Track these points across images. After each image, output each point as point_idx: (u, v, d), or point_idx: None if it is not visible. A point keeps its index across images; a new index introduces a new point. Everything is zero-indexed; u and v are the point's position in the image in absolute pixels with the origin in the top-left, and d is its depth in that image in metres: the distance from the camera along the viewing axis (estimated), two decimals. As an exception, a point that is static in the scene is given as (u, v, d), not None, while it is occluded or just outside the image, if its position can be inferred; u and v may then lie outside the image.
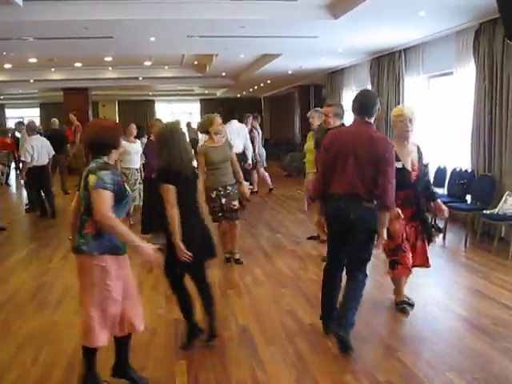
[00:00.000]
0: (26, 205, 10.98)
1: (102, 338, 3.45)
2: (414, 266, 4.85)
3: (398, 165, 4.36)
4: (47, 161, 10.23)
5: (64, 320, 4.93)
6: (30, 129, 10.26)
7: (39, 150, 9.88)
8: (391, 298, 5.14)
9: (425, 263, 4.93)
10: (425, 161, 4.94)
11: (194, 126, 18.92)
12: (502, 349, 4.06)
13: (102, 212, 3.21)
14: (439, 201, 4.96)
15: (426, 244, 4.94)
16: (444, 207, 4.95)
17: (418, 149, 4.80)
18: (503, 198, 7.03)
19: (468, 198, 8.16)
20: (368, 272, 4.33)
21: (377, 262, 6.49)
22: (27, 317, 5.02)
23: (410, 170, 4.62)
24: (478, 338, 4.28)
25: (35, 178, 9.90)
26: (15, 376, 3.80)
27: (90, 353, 3.50)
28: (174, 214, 3.92)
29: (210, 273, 6.09)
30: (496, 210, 7.02)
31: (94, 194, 3.24)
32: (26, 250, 7.69)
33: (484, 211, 7.16)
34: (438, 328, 4.51)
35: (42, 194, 10.18)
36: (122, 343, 3.66)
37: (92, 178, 3.26)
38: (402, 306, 4.88)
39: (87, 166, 3.40)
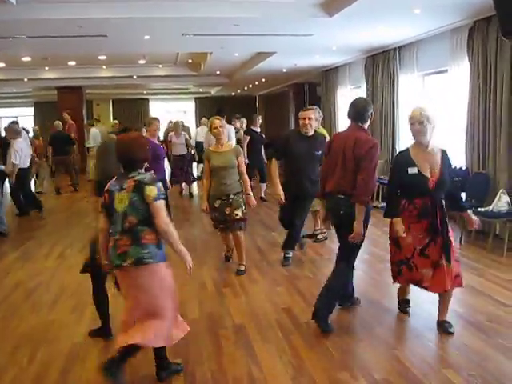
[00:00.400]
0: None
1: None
2: (424, 287, 4.42)
3: (413, 170, 4.24)
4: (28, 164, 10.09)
5: (60, 319, 4.92)
6: (14, 132, 9.60)
7: (25, 153, 9.73)
8: (387, 295, 5.16)
9: (442, 288, 4.32)
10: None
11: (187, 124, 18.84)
12: (497, 345, 4.08)
13: (165, 221, 3.46)
14: (469, 212, 4.63)
15: (453, 262, 4.31)
16: (475, 218, 4.52)
17: (444, 154, 4.35)
18: (497, 196, 7.05)
19: (463, 195, 8.17)
20: (355, 264, 4.69)
21: (373, 260, 6.53)
22: (23, 316, 5.01)
23: (427, 175, 4.25)
24: (474, 335, 4.29)
25: (20, 180, 9.78)
26: (12, 375, 3.80)
27: (135, 351, 3.58)
28: (99, 226, 3.77)
29: (205, 271, 6.13)
30: (490, 207, 7.04)
31: (156, 205, 3.45)
32: (22, 250, 7.66)
33: (478, 209, 7.18)
34: (434, 325, 4.52)
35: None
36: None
37: (153, 191, 3.46)
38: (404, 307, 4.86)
39: (125, 180, 3.54)
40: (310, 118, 6.15)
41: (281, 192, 6.27)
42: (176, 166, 11.73)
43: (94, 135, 14.97)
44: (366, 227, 4.47)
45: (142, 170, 3.62)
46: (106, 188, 3.63)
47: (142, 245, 3.46)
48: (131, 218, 3.48)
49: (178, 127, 12.08)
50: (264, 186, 11.57)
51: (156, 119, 7.56)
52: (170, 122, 16.59)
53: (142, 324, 3.52)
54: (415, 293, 4.88)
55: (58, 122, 14.13)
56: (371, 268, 6.30)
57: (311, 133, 6.23)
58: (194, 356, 4.07)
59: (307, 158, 6.19)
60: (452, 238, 4.33)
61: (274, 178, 6.40)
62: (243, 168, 6.13)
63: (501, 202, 6.96)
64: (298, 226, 6.49)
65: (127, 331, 3.52)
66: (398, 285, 4.78)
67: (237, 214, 6.04)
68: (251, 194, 6.27)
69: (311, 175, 6.19)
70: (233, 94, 25.30)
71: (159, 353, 3.73)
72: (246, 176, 6.16)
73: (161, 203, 3.46)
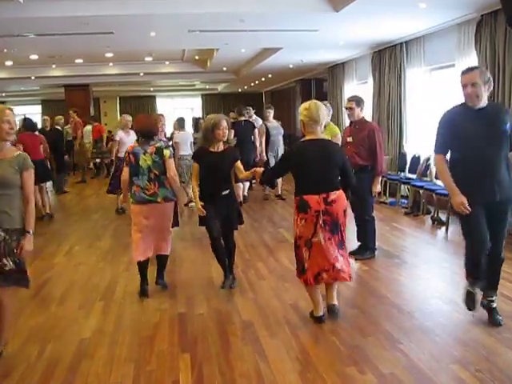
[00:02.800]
0: None
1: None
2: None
3: None
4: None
5: (68, 315, 4.95)
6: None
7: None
8: (393, 290, 5.15)
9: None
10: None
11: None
12: (505, 340, 4.06)
13: (174, 171, 5.27)
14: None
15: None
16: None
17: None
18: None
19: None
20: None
21: (378, 254, 6.52)
22: (32, 313, 5.03)
23: None
24: (482, 330, 4.27)
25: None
26: (20, 371, 3.81)
27: (146, 265, 5.38)
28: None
29: (213, 267, 6.14)
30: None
31: (170, 161, 5.25)
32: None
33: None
34: (442, 320, 4.51)
35: None
36: (161, 259, 5.55)
37: (167, 152, 5.24)
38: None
39: (147, 146, 5.23)
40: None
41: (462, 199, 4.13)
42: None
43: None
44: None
45: (156, 138, 5.44)
46: (131, 151, 5.24)
47: (166, 187, 5.22)
48: (155, 171, 5.17)
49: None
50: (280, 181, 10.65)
51: (161, 115, 7.59)
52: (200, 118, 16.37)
53: (163, 239, 5.42)
54: (421, 289, 4.88)
55: (59, 117, 13.67)
56: (375, 262, 6.29)
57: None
58: (201, 352, 4.07)
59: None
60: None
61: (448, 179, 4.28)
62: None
63: None
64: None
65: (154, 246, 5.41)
66: (407, 281, 4.78)
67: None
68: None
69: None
70: (239, 90, 25.28)
71: (164, 261, 5.55)
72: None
73: (172, 160, 5.28)
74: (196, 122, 12.27)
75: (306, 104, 4.50)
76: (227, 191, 5.34)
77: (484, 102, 4.09)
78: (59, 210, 10.92)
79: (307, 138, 4.48)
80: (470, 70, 4.18)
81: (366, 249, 6.50)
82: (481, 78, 4.05)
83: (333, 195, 4.37)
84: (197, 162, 5.35)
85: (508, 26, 5.29)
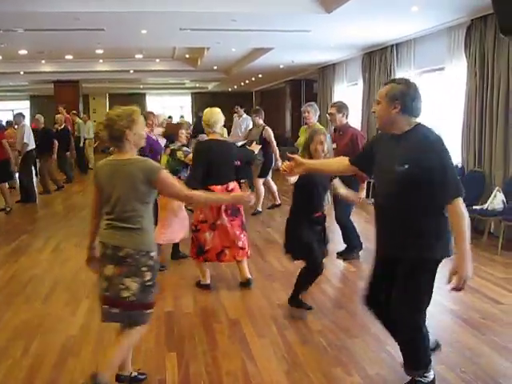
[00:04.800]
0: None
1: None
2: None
3: None
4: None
5: (54, 312, 4.92)
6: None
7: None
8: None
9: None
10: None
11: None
12: (490, 342, 4.10)
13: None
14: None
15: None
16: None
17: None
18: (493, 194, 7.07)
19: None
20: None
21: (365, 254, 6.54)
22: (17, 309, 5.00)
23: None
24: (468, 332, 4.31)
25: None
26: (6, 368, 3.78)
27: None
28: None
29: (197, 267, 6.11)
30: (485, 205, 7.06)
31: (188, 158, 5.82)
32: (16, 243, 7.64)
33: (474, 207, 7.20)
34: (428, 322, 4.52)
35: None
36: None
37: (180, 153, 5.96)
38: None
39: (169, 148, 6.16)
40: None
41: None
42: None
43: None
44: None
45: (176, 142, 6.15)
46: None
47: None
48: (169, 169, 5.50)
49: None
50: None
51: (151, 113, 7.53)
52: (182, 116, 16.26)
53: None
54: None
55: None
56: (364, 264, 6.30)
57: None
58: (188, 350, 4.07)
59: None
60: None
61: None
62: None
63: (496, 200, 6.98)
64: None
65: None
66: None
67: None
68: None
69: None
70: (229, 89, 25.28)
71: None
72: None
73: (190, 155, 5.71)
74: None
75: (205, 110, 5.50)
76: None
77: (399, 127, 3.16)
78: (46, 207, 10.85)
79: (209, 137, 5.42)
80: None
81: (352, 248, 6.59)
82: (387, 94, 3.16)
83: (232, 185, 5.29)
84: None
85: (501, 34, 5.29)
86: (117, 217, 3.14)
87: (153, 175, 3.13)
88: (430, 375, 3.29)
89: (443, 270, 3.11)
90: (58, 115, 14.00)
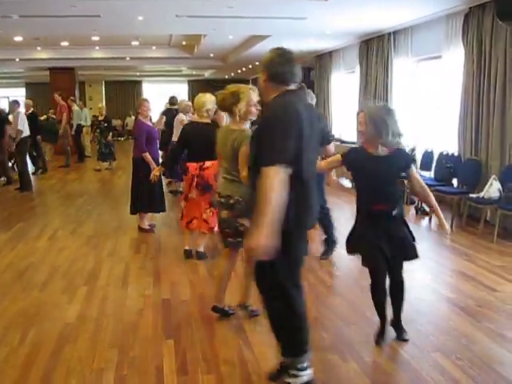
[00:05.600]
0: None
1: None
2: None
3: None
4: None
5: (51, 300, 4.92)
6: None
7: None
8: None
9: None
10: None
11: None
12: (485, 330, 4.12)
13: None
14: None
15: None
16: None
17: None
18: (489, 182, 7.08)
19: (454, 181, 8.22)
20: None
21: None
22: (14, 297, 4.99)
23: None
24: (463, 320, 4.33)
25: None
26: (3, 356, 3.79)
27: None
28: None
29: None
30: (482, 193, 7.07)
31: None
32: (13, 231, 7.63)
33: (470, 195, 7.22)
34: (424, 310, 4.56)
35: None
36: None
37: None
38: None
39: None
40: None
41: None
42: None
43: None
44: None
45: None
46: None
47: None
48: None
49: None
50: None
51: (145, 100, 7.50)
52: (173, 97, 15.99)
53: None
54: (405, 279, 4.90)
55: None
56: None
57: None
58: (185, 338, 4.08)
59: None
60: None
61: None
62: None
63: (492, 189, 6.99)
64: None
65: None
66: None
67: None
68: None
69: None
70: (226, 76, 25.16)
71: None
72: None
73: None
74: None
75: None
76: None
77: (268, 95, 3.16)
78: (42, 195, 10.84)
79: (194, 119, 6.05)
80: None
81: (327, 244, 6.09)
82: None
83: (208, 163, 5.59)
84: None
85: (499, 20, 5.27)
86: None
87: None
88: None
89: (436, 257, 3.11)
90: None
